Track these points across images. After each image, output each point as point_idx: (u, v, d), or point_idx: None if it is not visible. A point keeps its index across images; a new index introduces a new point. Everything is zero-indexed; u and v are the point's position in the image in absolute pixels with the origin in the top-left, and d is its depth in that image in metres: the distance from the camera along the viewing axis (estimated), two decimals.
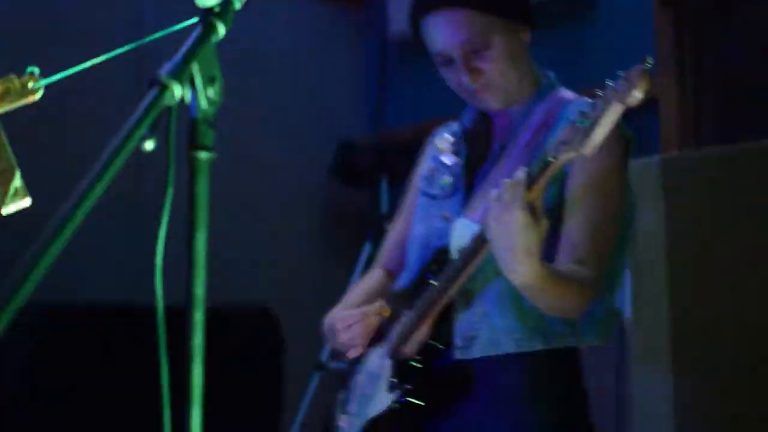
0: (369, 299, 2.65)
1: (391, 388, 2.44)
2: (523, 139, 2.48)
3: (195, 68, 1.47)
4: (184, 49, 1.47)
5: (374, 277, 2.79)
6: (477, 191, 2.51)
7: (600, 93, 2.07)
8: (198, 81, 1.47)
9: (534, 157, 2.26)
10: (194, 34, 1.50)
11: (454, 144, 2.65)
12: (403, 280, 2.64)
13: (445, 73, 2.50)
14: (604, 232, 2.36)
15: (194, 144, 1.48)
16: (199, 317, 1.47)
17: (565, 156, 2.12)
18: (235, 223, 5.07)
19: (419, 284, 2.49)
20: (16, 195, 1.68)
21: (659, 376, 2.94)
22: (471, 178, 2.55)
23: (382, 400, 2.46)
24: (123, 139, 1.39)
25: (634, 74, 2.01)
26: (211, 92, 1.50)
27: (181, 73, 1.44)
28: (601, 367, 2.84)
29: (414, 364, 2.43)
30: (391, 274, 2.76)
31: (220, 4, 1.53)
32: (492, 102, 2.51)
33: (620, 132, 2.37)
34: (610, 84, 2.05)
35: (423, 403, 2.40)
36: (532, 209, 2.13)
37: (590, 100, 2.11)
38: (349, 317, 2.55)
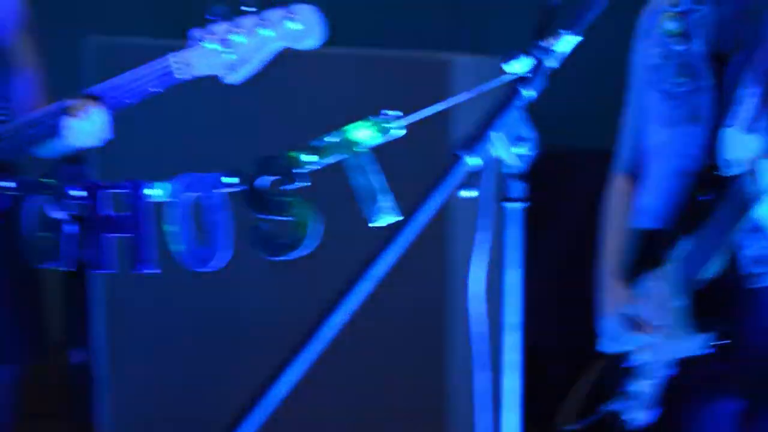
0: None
1: (702, 328, 2.31)
2: None
3: (496, 135, 1.63)
4: (483, 120, 1.63)
5: (626, 203, 2.56)
6: (733, 89, 2.28)
7: None
8: (501, 144, 1.64)
9: None
10: (497, 103, 1.65)
11: (682, 24, 2.37)
12: (653, 196, 2.45)
13: None
14: None
15: (504, 197, 1.67)
16: (513, 339, 1.70)
17: None
18: None
19: (692, 206, 2.33)
20: (386, 212, 1.93)
21: None
22: (719, 71, 2.32)
23: (693, 340, 2.33)
24: (428, 202, 1.59)
25: None
26: (521, 149, 1.66)
27: (476, 145, 1.62)
28: None
29: (715, 299, 2.31)
30: (634, 180, 2.56)
31: (531, 70, 1.66)
32: None
33: None
34: None
35: (732, 341, 2.30)
36: None
37: None
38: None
